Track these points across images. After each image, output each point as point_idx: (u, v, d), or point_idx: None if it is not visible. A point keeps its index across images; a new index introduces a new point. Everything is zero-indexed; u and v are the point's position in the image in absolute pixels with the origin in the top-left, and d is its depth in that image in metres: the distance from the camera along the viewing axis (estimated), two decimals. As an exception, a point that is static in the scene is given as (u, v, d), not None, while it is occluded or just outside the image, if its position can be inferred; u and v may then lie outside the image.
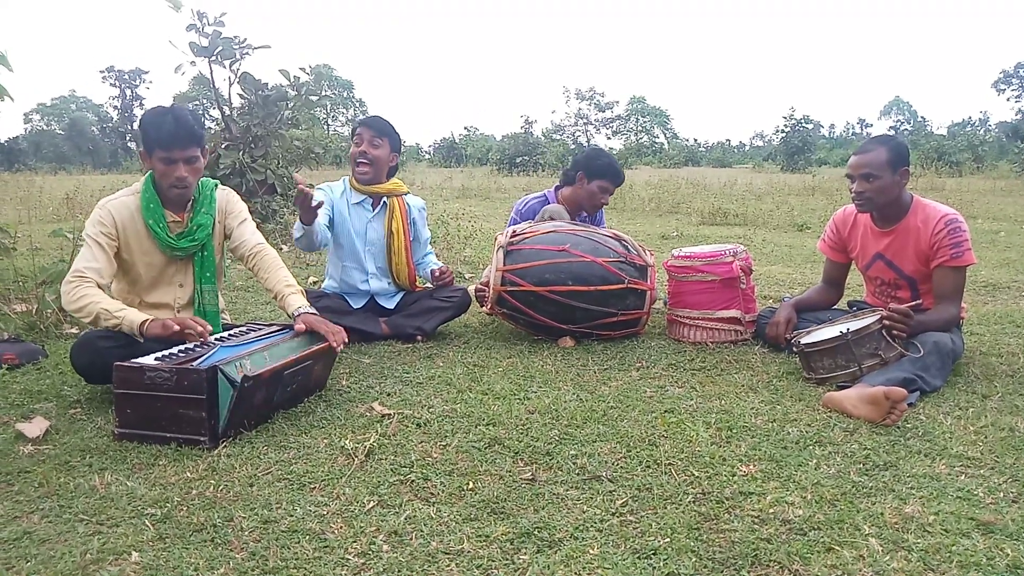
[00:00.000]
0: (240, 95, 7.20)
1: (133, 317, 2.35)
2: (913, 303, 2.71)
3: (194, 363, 2.12)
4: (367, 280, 3.42)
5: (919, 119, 73.22)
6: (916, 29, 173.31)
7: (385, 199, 3.41)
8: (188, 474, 1.90)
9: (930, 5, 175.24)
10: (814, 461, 1.97)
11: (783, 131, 33.71)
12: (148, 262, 2.59)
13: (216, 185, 2.72)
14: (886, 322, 2.56)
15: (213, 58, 6.83)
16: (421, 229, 3.56)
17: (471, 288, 3.66)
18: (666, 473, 1.91)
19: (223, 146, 7.07)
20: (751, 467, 1.94)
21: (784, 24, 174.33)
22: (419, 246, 3.56)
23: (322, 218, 3.19)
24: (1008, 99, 60.23)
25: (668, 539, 1.58)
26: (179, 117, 2.45)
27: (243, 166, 6.97)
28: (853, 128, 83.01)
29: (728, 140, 71.92)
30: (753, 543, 1.56)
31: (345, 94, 66.07)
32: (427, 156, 49.19)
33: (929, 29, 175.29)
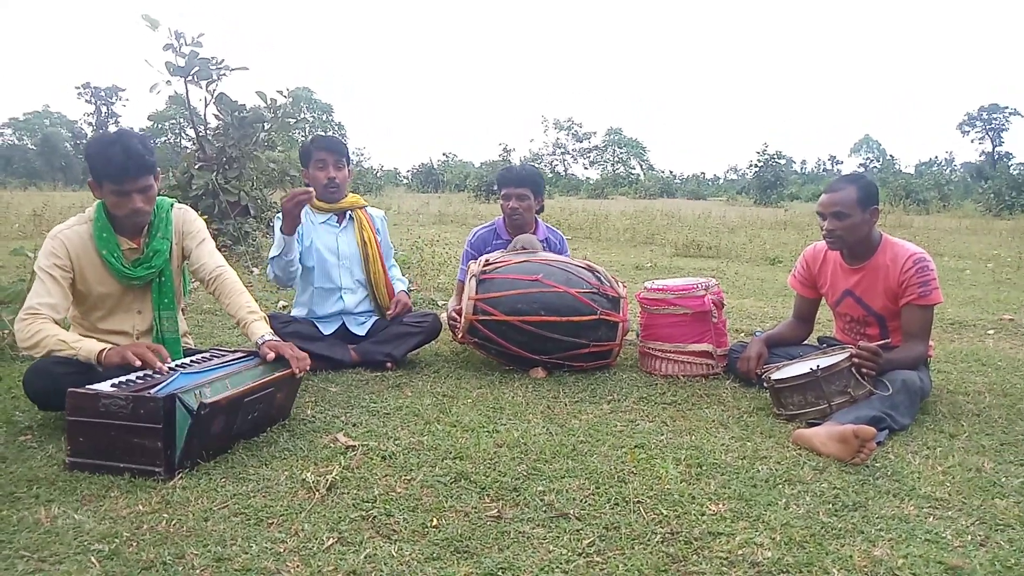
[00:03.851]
0: (216, 116, 7.16)
1: (90, 347, 2.27)
2: (882, 341, 2.72)
3: (151, 391, 2.05)
4: (340, 297, 3.38)
5: (888, 157, 74.80)
6: (886, 70, 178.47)
7: (350, 212, 3.44)
8: (140, 507, 1.82)
9: (899, 48, 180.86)
10: (783, 500, 1.95)
11: (756, 165, 34.27)
12: (104, 291, 2.50)
13: (172, 204, 2.63)
14: (855, 360, 2.57)
15: (189, 78, 6.79)
16: (384, 238, 3.56)
17: (443, 316, 3.62)
18: (634, 511, 1.87)
19: (196, 166, 7.00)
20: (720, 506, 1.91)
21: (759, 62, 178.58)
22: (386, 254, 3.56)
23: (296, 247, 3.21)
24: (972, 140, 62.11)
25: (635, 581, 1.54)
26: (128, 147, 2.32)
27: (216, 187, 6.89)
28: (824, 164, 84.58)
29: (703, 173, 72.80)
30: (721, 586, 1.53)
31: (324, 117, 66.02)
32: (405, 181, 49.09)
33: (898, 71, 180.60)
